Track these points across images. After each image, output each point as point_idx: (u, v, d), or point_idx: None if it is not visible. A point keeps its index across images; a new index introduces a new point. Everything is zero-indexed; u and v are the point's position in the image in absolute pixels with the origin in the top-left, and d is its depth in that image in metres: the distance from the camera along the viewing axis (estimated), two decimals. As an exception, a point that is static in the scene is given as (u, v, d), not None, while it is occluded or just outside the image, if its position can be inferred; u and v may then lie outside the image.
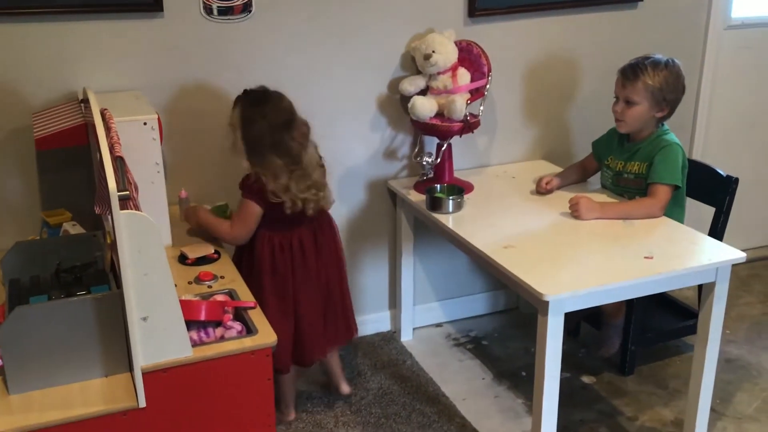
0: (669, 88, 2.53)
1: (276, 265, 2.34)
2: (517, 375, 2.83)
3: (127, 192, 1.61)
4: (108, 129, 1.82)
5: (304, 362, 2.46)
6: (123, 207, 1.62)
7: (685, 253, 2.26)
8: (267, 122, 2.26)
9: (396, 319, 3.10)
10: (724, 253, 2.25)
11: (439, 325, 3.19)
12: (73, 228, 2.28)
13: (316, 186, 2.33)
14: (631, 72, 2.55)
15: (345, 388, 2.67)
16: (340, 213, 2.89)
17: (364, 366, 2.88)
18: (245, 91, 2.34)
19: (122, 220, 1.57)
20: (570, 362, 2.88)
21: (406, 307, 3.05)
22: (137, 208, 1.77)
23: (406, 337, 3.08)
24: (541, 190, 2.72)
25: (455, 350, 3.01)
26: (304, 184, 2.30)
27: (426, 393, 2.72)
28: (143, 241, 1.61)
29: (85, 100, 2.20)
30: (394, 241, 2.99)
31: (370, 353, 2.97)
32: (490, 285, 3.23)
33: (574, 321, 3.01)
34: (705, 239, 2.37)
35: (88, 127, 2.18)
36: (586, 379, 2.81)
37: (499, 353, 2.99)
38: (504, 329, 3.15)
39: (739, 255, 2.23)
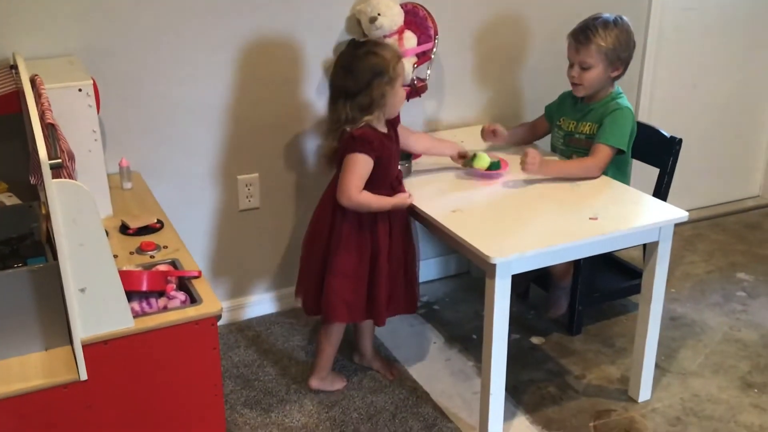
0: (622, 46, 2.55)
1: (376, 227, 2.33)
2: (467, 338, 2.85)
3: (60, 160, 1.55)
4: (39, 95, 1.75)
5: (377, 319, 2.43)
6: (56, 176, 1.57)
7: (628, 214, 2.28)
8: None
9: (347, 285, 3.08)
10: (667, 213, 2.28)
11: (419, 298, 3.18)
12: (8, 199, 2.21)
13: None
14: (583, 36, 2.55)
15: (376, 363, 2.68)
16: (288, 180, 2.86)
17: (315, 333, 2.87)
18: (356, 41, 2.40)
19: (55, 190, 1.52)
20: (519, 324, 2.91)
21: (357, 274, 3.03)
22: (71, 176, 1.72)
23: (357, 303, 3.07)
24: (487, 133, 2.72)
25: (407, 316, 3.01)
26: None
27: (378, 355, 2.73)
28: (77, 210, 1.56)
29: (16, 66, 2.12)
30: (344, 208, 2.97)
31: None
32: (441, 250, 3.24)
33: (524, 284, 3.05)
34: (648, 200, 2.40)
35: (20, 95, 2.10)
36: (535, 339, 2.85)
37: (450, 317, 3.00)
38: (455, 294, 3.17)
39: (681, 214, 2.26)
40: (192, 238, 2.74)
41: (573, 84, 2.63)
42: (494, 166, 2.52)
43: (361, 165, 2.23)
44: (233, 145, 2.73)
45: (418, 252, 2.52)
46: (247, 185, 2.79)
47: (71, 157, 2.03)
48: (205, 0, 2.51)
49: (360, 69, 2.22)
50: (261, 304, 2.97)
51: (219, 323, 2.59)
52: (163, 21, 2.48)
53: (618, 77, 2.61)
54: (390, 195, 2.32)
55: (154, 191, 2.46)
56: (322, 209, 2.39)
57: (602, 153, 2.52)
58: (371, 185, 2.27)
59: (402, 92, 2.32)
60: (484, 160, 2.52)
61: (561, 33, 2.65)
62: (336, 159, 2.32)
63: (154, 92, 2.54)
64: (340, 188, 2.25)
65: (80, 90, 2.09)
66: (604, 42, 2.52)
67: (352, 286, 2.34)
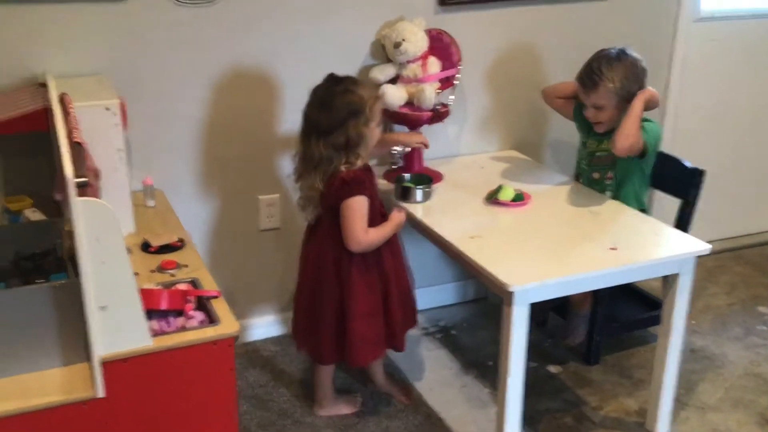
0: (630, 81, 2.53)
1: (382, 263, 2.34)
2: (484, 365, 2.84)
3: (85, 179, 1.57)
4: (67, 114, 1.78)
5: (398, 345, 2.43)
6: (81, 194, 1.59)
7: (649, 245, 2.27)
8: None
9: (364, 308, 3.08)
10: (688, 245, 2.26)
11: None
12: (33, 214, 2.24)
13: None
14: (589, 80, 2.55)
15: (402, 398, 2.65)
16: (308, 201, 2.87)
17: (332, 355, 2.87)
18: (335, 76, 2.28)
19: (79, 208, 1.54)
20: (537, 352, 2.89)
21: (375, 297, 3.03)
22: (96, 195, 1.75)
23: (374, 326, 3.07)
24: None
25: (424, 340, 3.01)
26: None
27: (389, 378, 2.72)
28: (101, 229, 1.57)
29: (44, 84, 2.16)
30: (363, 230, 2.98)
31: (338, 342, 2.96)
32: (460, 275, 3.23)
33: (543, 312, 3.03)
34: (669, 231, 2.38)
35: (49, 112, 2.13)
36: (553, 368, 2.82)
37: (467, 343, 2.99)
38: (473, 319, 3.16)
39: (703, 247, 2.25)
40: (212, 257, 2.78)
41: (593, 123, 2.62)
42: (518, 198, 2.52)
43: (360, 206, 2.22)
44: (255, 166, 2.75)
45: (406, 262, 2.51)
46: (268, 205, 2.81)
47: (97, 175, 2.06)
48: (232, 20, 2.55)
49: (336, 106, 2.18)
50: (277, 324, 2.98)
51: (236, 343, 2.62)
52: (190, 41, 2.51)
53: None
54: (382, 222, 2.31)
55: (176, 209, 2.48)
56: (320, 259, 2.32)
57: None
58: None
59: (378, 132, 2.29)
60: (508, 193, 2.52)
61: (580, 62, 2.64)
62: (324, 203, 2.27)
63: (180, 111, 2.58)
64: (349, 236, 2.22)
65: (107, 109, 2.12)
66: (612, 83, 2.50)
67: (373, 323, 2.34)
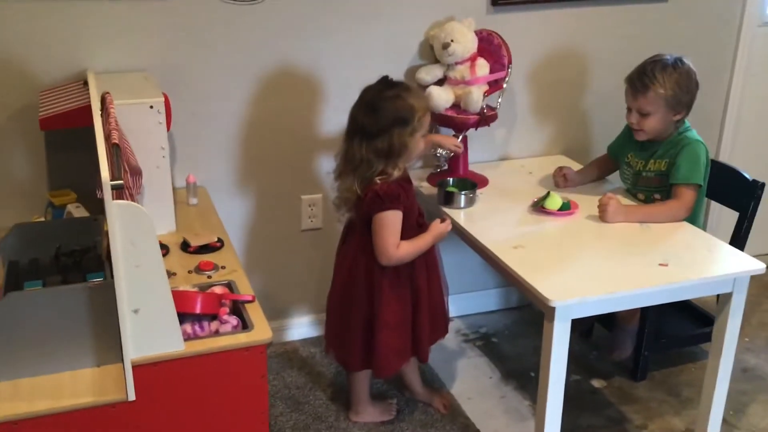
0: (682, 91, 2.42)
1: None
2: (525, 375, 2.77)
3: (122, 181, 1.57)
4: (108, 115, 1.78)
5: (422, 356, 2.41)
6: (118, 197, 1.59)
7: (701, 262, 2.17)
8: None
9: (405, 311, 3.04)
10: (743, 264, 2.16)
11: (450, 319, 3.12)
12: (76, 210, 2.26)
13: None
14: (640, 83, 2.44)
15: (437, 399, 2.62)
16: (351, 203, 2.84)
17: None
18: (389, 80, 2.22)
19: (115, 211, 1.53)
20: (581, 364, 2.82)
21: (416, 301, 2.99)
22: (133, 197, 1.74)
23: (414, 330, 3.02)
24: (557, 178, 2.65)
25: (464, 347, 2.96)
26: None
27: (426, 387, 2.67)
28: (136, 232, 1.56)
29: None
30: (406, 233, 2.93)
31: (377, 345, 2.93)
32: (503, 281, 3.16)
33: (588, 322, 2.95)
34: (723, 247, 2.27)
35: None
36: (596, 383, 2.74)
37: (508, 351, 2.93)
38: (515, 326, 3.09)
39: (758, 266, 2.14)
40: (253, 256, 2.77)
41: (634, 130, 2.52)
42: (565, 207, 2.44)
43: (392, 221, 2.17)
44: (298, 165, 2.73)
45: (442, 272, 2.45)
46: (310, 205, 2.79)
47: (138, 173, 2.06)
48: (278, 19, 2.52)
49: (384, 111, 2.12)
50: (317, 325, 2.95)
51: (275, 342, 2.62)
52: (235, 39, 2.50)
53: (681, 120, 2.50)
54: (418, 233, 2.24)
55: (219, 207, 2.48)
56: (354, 265, 2.28)
57: (686, 194, 2.41)
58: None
59: (422, 143, 2.23)
60: (555, 201, 2.44)
61: (631, 64, 2.54)
62: (359, 209, 2.23)
63: (225, 109, 2.57)
64: (379, 250, 2.18)
65: (151, 107, 2.12)
66: (663, 89, 2.40)
67: (399, 334, 2.29)
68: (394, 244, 2.18)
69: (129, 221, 1.56)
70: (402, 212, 2.18)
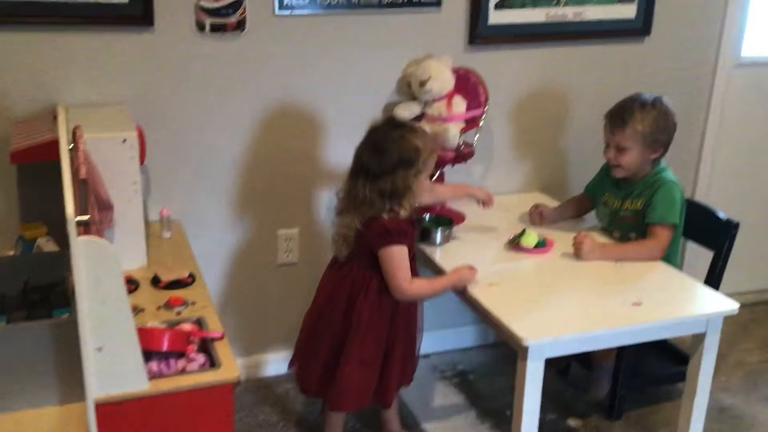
0: (659, 129, 2.45)
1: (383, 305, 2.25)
2: (501, 414, 2.75)
3: (87, 217, 1.55)
4: (77, 149, 1.77)
5: (386, 401, 2.38)
6: (85, 232, 1.57)
7: (675, 302, 2.17)
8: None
9: (381, 348, 3.02)
10: (716, 304, 2.17)
11: (426, 356, 3.11)
12: (46, 244, 2.23)
13: None
14: (619, 118, 2.47)
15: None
16: (328, 239, 2.83)
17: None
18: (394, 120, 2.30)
19: (80, 247, 1.51)
20: (557, 403, 2.80)
21: (392, 337, 2.97)
22: (100, 233, 1.72)
23: (391, 367, 3.00)
24: (533, 216, 2.65)
25: (440, 384, 2.93)
26: None
27: (405, 428, 2.64)
28: (101, 268, 1.54)
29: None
30: (383, 269, 2.92)
31: (352, 382, 2.90)
32: (485, 321, 3.14)
33: (565, 360, 2.93)
34: (697, 287, 2.28)
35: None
36: (573, 422, 2.72)
37: (484, 389, 2.90)
38: (492, 364, 3.07)
39: (731, 307, 2.14)
40: (228, 290, 2.75)
41: (611, 166, 2.54)
42: (540, 244, 2.44)
43: (402, 257, 2.16)
44: (274, 199, 2.72)
45: (421, 316, 2.43)
46: (286, 240, 2.77)
47: (109, 207, 2.05)
48: (257, 54, 2.53)
49: (389, 152, 2.13)
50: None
51: (249, 378, 2.58)
52: (214, 73, 2.50)
53: (658, 158, 2.52)
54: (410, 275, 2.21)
55: (193, 241, 2.46)
56: (337, 287, 2.27)
57: (662, 234, 2.42)
58: None
59: (426, 184, 2.25)
60: (531, 239, 2.45)
61: (613, 102, 2.56)
62: (360, 242, 2.21)
63: (201, 142, 2.56)
64: (392, 286, 2.17)
65: (124, 141, 2.12)
66: (641, 125, 2.43)
67: (368, 373, 2.27)
68: (406, 278, 2.17)
69: (94, 257, 1.53)
70: (407, 249, 2.17)
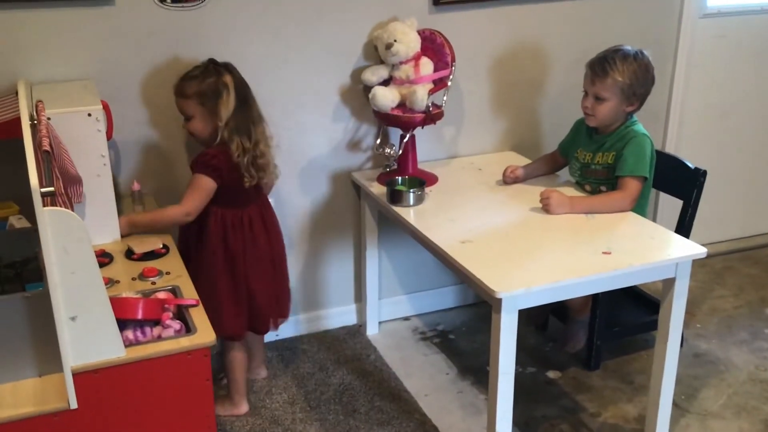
0: (639, 82, 2.47)
1: (228, 243, 2.35)
2: (482, 370, 2.79)
3: (52, 188, 1.55)
4: (39, 122, 1.76)
5: (259, 329, 2.50)
6: (50, 203, 1.57)
7: (643, 249, 2.20)
8: (236, 94, 2.30)
9: (362, 312, 3.05)
10: (684, 249, 2.20)
11: (407, 318, 3.15)
12: (18, 222, 2.23)
13: (271, 162, 2.39)
14: (600, 68, 2.49)
15: (263, 373, 2.73)
16: (302, 205, 2.85)
17: (327, 360, 2.84)
18: (212, 60, 2.36)
19: (46, 218, 1.52)
20: (536, 357, 2.84)
21: (372, 301, 3.00)
22: (69, 205, 1.72)
23: (371, 331, 3.03)
24: (507, 179, 2.68)
25: (421, 344, 2.97)
26: (264, 160, 2.34)
27: (388, 388, 2.68)
28: (68, 238, 1.55)
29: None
30: (359, 234, 2.94)
31: (334, 347, 2.93)
32: (459, 278, 3.18)
33: (543, 315, 2.98)
34: (666, 234, 2.31)
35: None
36: (552, 374, 2.77)
37: (465, 347, 2.94)
38: (472, 323, 3.11)
39: (699, 250, 2.18)
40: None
41: (586, 114, 2.56)
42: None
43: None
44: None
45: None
46: (261, 210, 2.78)
47: (77, 182, 2.04)
48: (220, 22, 2.52)
49: None
50: (284, 326, 2.93)
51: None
52: (177, 44, 2.49)
53: (633, 112, 2.54)
54: None
55: (166, 215, 2.46)
56: None
57: (631, 186, 2.45)
58: None
59: None
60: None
61: (582, 61, 2.58)
62: None
63: (168, 115, 2.55)
64: None
65: (89, 115, 2.10)
66: (621, 76, 2.45)
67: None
68: None
69: (61, 228, 1.54)
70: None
